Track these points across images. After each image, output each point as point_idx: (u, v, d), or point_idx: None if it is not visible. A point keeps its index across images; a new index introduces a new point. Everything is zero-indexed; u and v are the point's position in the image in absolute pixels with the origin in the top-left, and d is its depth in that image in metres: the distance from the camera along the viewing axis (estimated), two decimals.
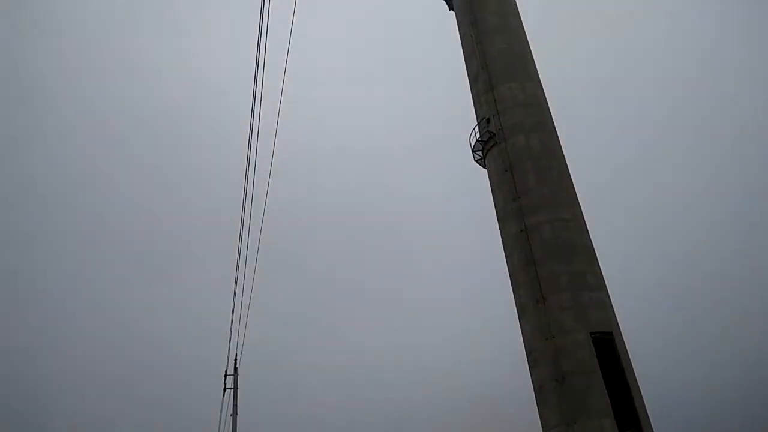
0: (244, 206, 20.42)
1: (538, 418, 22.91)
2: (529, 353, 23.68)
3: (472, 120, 31.48)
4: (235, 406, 45.61)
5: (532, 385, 23.67)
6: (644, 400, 22.10)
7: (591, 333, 22.09)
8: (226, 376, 47.48)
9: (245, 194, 19.82)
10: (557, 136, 28.35)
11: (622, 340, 23.06)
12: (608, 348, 22.24)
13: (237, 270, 23.63)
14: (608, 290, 24.04)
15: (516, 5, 32.89)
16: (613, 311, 23.50)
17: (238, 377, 46.70)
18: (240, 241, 22.48)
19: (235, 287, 24.86)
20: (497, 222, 27.97)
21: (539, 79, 30.44)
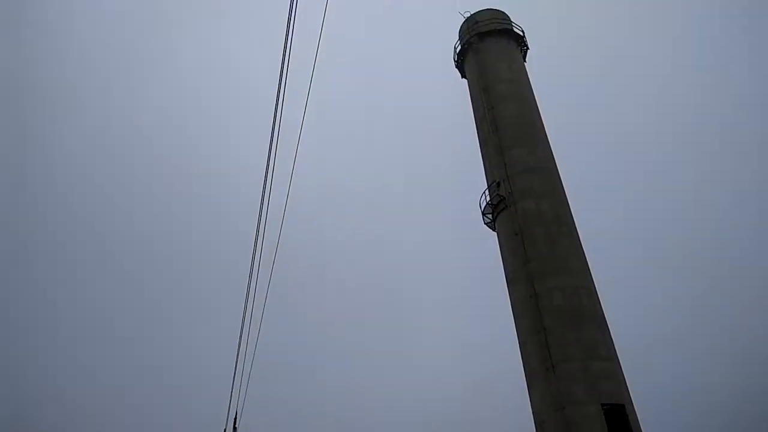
0: (252, 262, 20.58)
1: None
2: (538, 423, 23.11)
3: (476, 176, 31.98)
4: None
5: None
6: None
7: (602, 404, 21.59)
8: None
9: (254, 251, 20.03)
10: (567, 201, 28.63)
11: (635, 411, 22.51)
12: (620, 420, 21.68)
13: (242, 326, 23.51)
14: (620, 359, 23.69)
15: (526, 73, 33.95)
16: (625, 382, 23.04)
17: None
18: (246, 302, 22.54)
19: (239, 350, 24.74)
20: (506, 285, 27.90)
21: (549, 144, 31.03)
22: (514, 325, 26.63)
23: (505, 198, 28.62)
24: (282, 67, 13.43)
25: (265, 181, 16.99)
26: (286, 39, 13.36)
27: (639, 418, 22.57)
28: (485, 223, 30.51)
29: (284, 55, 13.56)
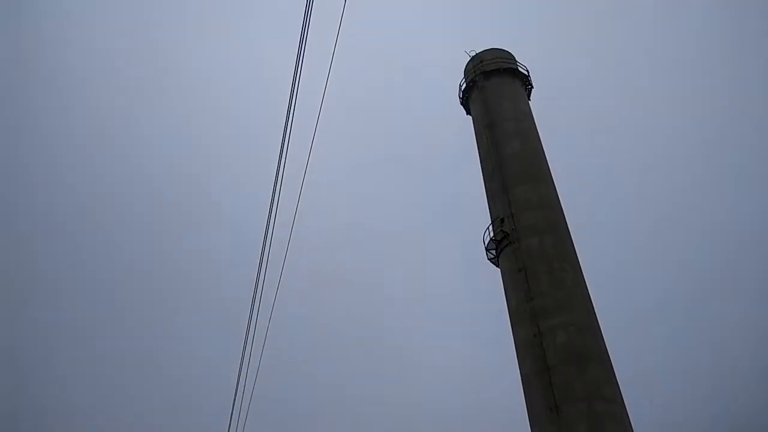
0: (250, 317, 20.60)
1: None
2: None
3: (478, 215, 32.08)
4: None
5: None
6: None
7: None
8: None
9: (252, 305, 20.10)
10: (571, 238, 28.67)
11: None
12: None
13: (248, 328, 23.14)
14: (624, 401, 23.31)
15: (530, 110, 34.43)
16: (631, 425, 22.65)
17: None
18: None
19: (242, 354, 24.30)
20: (509, 322, 27.72)
21: (553, 181, 31.26)
22: (516, 362, 26.39)
23: (509, 234, 28.68)
24: (287, 119, 13.71)
25: (271, 209, 17.14)
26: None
27: None
28: (489, 259, 30.49)
29: (289, 107, 13.85)
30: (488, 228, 30.46)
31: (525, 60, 36.70)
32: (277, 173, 15.41)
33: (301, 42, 13.37)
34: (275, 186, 15.84)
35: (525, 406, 24.96)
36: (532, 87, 35.72)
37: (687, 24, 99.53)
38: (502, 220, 29.40)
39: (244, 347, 23.46)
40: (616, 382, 23.44)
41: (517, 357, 26.03)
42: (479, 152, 34.15)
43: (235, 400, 26.69)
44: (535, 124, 33.59)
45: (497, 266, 29.96)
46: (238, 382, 25.93)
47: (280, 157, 14.92)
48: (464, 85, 36.36)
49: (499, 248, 29.28)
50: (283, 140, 14.49)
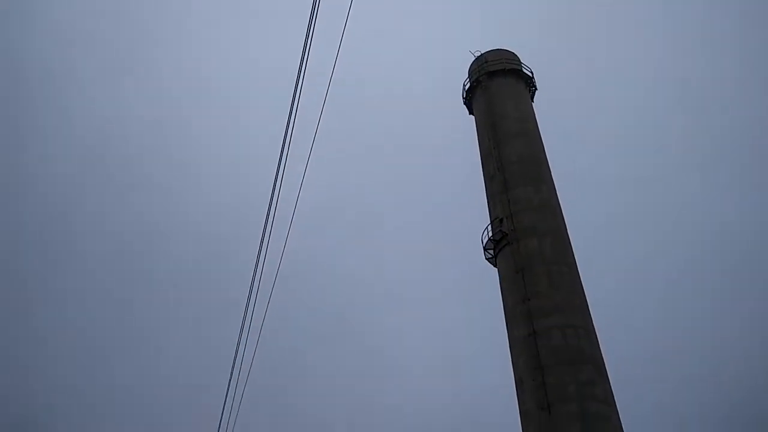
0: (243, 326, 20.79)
1: None
2: None
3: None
4: None
5: None
6: None
7: None
8: None
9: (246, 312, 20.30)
10: (569, 241, 28.82)
11: None
12: None
13: (241, 327, 23.33)
14: (616, 403, 23.51)
15: (533, 111, 34.56)
16: (621, 426, 22.83)
17: None
18: (247, 305, 22.47)
19: (236, 353, 24.54)
20: (505, 321, 27.89)
21: (553, 183, 31.40)
22: (510, 362, 26.56)
23: (507, 234, 28.83)
24: (288, 124, 13.84)
25: (269, 212, 17.28)
26: (287, 136, 13.78)
27: None
28: (486, 259, 30.64)
29: (291, 108, 13.98)
30: (487, 228, 30.60)
31: (530, 62, 36.85)
32: (278, 171, 15.57)
33: (307, 36, 13.48)
34: (275, 182, 16.01)
35: (517, 405, 25.17)
36: (536, 89, 35.84)
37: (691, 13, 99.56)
38: (501, 221, 29.54)
39: (241, 331, 23.61)
40: (609, 383, 23.63)
41: (511, 356, 26.20)
42: (480, 152, 34.26)
43: (228, 393, 26.92)
44: (537, 125, 33.70)
45: (495, 266, 30.11)
46: (233, 368, 26.12)
47: (283, 146, 15.08)
48: (468, 85, 36.48)
49: (498, 248, 29.43)
50: (285, 134, 14.64)
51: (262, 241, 18.20)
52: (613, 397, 23.29)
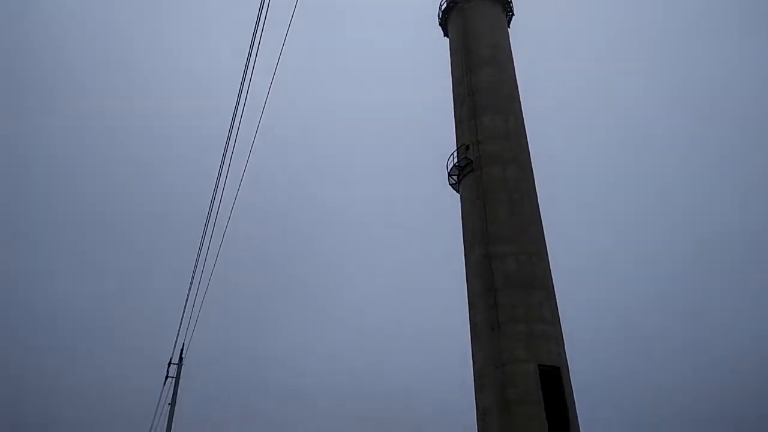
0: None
1: None
2: (477, 378, 24.23)
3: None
4: (174, 395, 44.71)
5: (475, 409, 24.25)
6: None
7: (540, 365, 22.79)
8: (170, 365, 46.67)
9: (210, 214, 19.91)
10: (532, 172, 29.25)
11: (569, 375, 23.85)
12: (555, 382, 22.97)
13: (193, 273, 23.54)
14: (562, 326, 24.89)
15: (508, 40, 33.91)
16: (564, 347, 24.28)
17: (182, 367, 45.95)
18: (200, 246, 22.40)
19: (189, 292, 24.79)
20: (463, 246, 28.63)
21: (522, 114, 31.40)
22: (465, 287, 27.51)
23: (472, 161, 29.02)
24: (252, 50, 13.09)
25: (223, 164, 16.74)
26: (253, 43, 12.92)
27: (572, 382, 23.95)
28: (450, 185, 30.95)
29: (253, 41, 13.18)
30: (452, 154, 30.69)
31: None
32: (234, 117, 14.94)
33: None
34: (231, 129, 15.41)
35: (468, 327, 26.34)
36: (512, 14, 35.04)
37: None
38: (468, 147, 29.62)
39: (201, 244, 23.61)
40: (557, 307, 24.86)
41: (467, 278, 27.11)
42: (452, 76, 33.75)
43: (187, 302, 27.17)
44: (511, 52, 33.22)
45: (458, 192, 30.48)
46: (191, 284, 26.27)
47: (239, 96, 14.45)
48: (444, 5, 35.34)
49: (462, 175, 29.68)
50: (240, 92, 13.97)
51: (220, 171, 17.79)
52: (559, 319, 24.60)
